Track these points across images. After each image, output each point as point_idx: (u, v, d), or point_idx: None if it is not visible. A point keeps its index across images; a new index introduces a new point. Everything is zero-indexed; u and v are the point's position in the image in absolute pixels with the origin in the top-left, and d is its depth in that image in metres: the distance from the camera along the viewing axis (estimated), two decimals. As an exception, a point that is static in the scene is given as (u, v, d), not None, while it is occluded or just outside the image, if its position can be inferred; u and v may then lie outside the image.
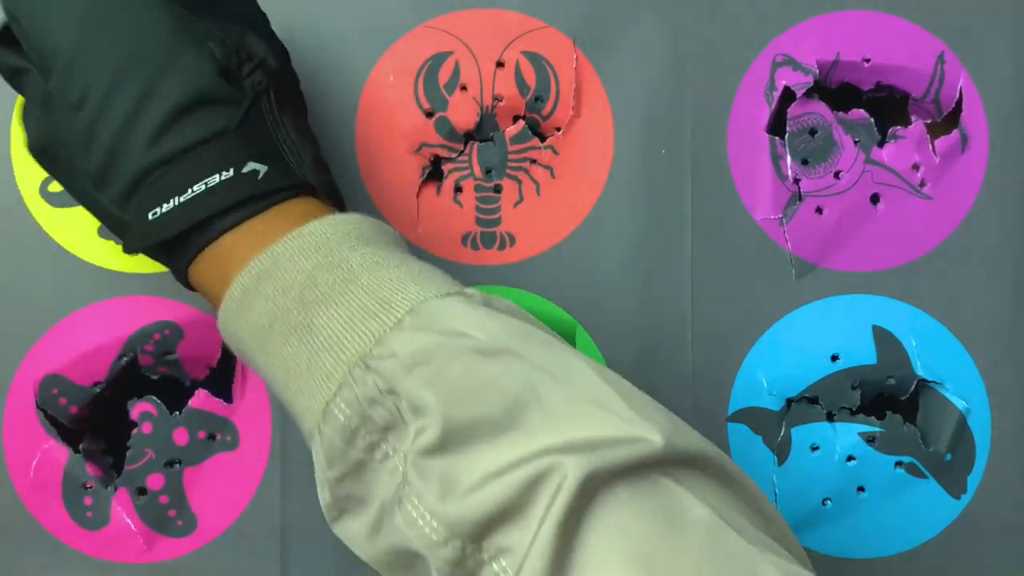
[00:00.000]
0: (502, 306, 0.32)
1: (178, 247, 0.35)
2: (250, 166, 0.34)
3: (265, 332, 0.32)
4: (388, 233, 0.36)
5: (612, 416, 0.28)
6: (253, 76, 0.36)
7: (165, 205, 0.34)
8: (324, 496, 0.32)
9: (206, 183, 0.33)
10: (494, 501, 0.27)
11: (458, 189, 0.47)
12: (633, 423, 0.28)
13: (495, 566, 0.27)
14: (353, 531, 0.32)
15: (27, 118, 0.38)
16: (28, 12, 0.35)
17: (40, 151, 0.37)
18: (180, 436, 0.46)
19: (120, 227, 0.36)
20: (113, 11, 0.35)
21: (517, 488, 0.27)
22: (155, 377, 0.47)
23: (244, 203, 0.34)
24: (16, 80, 0.38)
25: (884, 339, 0.48)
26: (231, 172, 0.34)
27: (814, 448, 0.47)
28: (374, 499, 0.31)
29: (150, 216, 0.34)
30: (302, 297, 0.32)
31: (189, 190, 0.33)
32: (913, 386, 0.48)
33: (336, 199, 0.38)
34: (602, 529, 0.27)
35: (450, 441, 0.28)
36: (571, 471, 0.26)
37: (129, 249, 0.36)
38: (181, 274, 0.36)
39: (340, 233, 0.33)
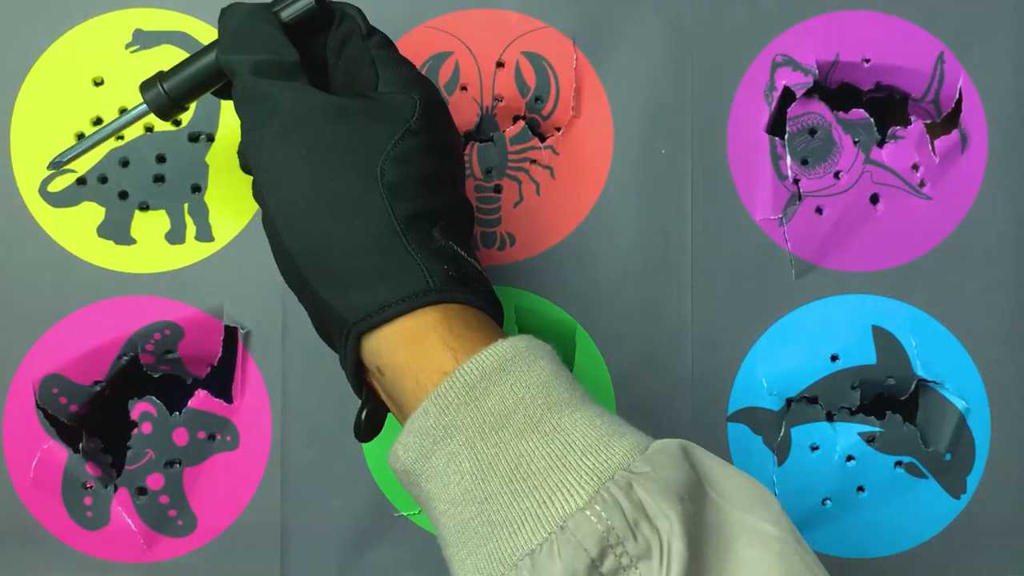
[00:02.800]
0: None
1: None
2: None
3: (499, 421, 0.30)
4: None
5: None
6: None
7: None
8: None
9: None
10: None
11: (458, 189, 0.47)
12: None
13: None
14: None
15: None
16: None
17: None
18: (180, 436, 0.46)
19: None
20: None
21: None
22: (156, 375, 0.47)
23: (443, 290, 0.33)
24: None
25: (884, 339, 0.48)
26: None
27: (814, 448, 0.47)
28: None
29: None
30: (547, 397, 0.31)
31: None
32: (913, 386, 0.48)
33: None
34: None
35: None
36: None
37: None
38: (353, 347, 0.34)
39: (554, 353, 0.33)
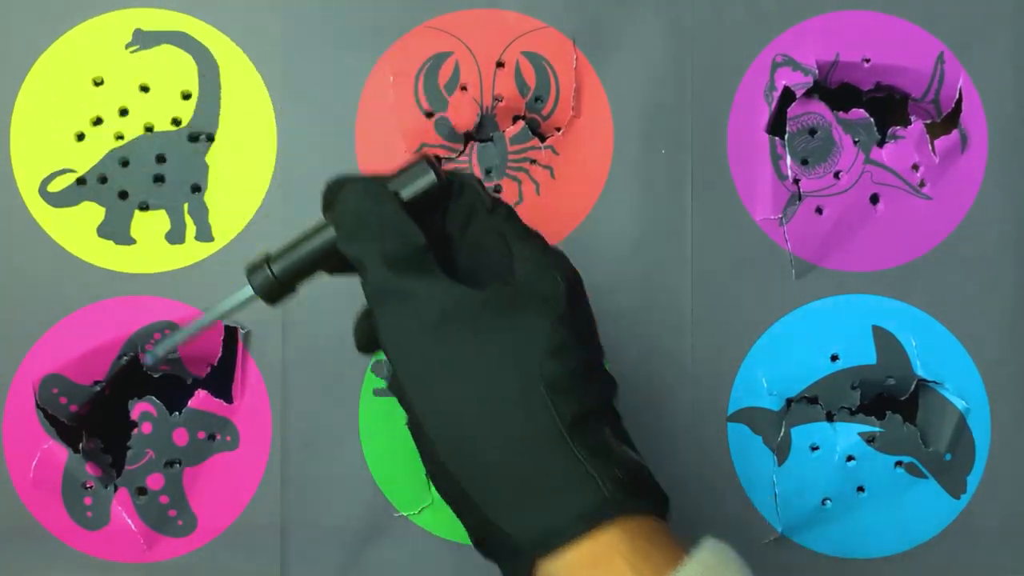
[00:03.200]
0: None
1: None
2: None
3: None
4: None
5: None
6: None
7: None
8: None
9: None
10: None
11: (458, 189, 0.47)
12: None
13: None
14: None
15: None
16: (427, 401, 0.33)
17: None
18: (180, 436, 0.46)
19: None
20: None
21: None
22: (156, 375, 0.47)
23: (620, 502, 0.31)
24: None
25: (884, 339, 0.48)
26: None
27: (814, 448, 0.47)
28: None
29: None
30: None
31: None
32: (913, 386, 0.48)
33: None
34: None
35: None
36: None
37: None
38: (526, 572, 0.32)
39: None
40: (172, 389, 0.48)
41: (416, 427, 0.33)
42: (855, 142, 0.47)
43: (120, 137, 0.47)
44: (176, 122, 0.47)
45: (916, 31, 0.48)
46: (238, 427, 0.47)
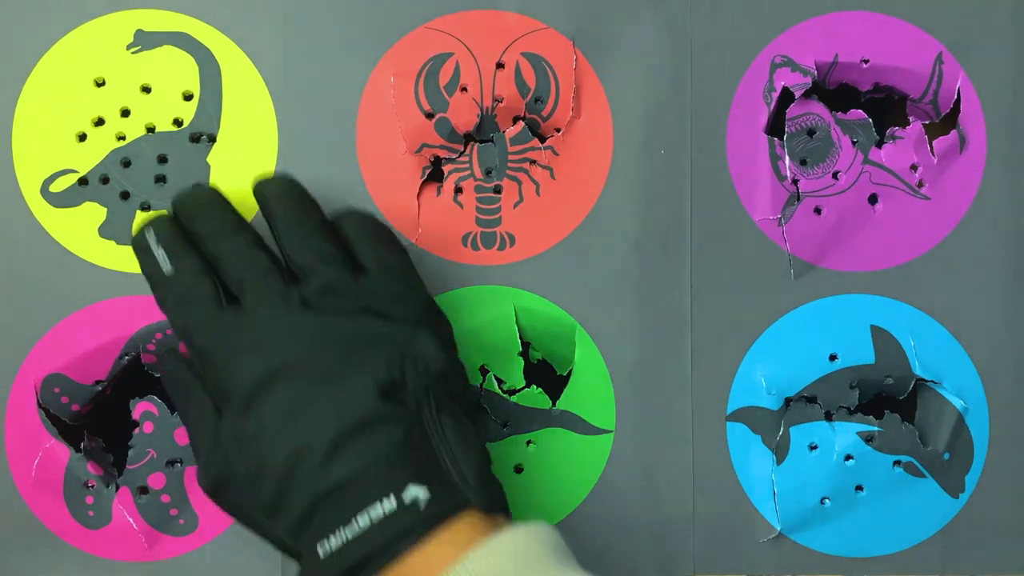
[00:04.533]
0: None
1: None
2: (411, 492, 0.35)
3: None
4: (560, 548, 0.36)
5: None
6: (416, 387, 0.38)
7: (333, 538, 0.35)
8: None
9: (369, 516, 0.35)
10: None
11: (458, 190, 0.47)
12: None
13: None
14: None
15: (198, 453, 0.39)
16: (220, 345, 0.38)
17: (214, 492, 0.39)
18: (181, 436, 0.46)
19: (295, 555, 0.37)
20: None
21: None
22: (158, 375, 0.47)
23: (408, 532, 0.35)
24: (180, 395, 0.40)
25: (882, 339, 0.48)
26: (392, 501, 0.35)
27: (813, 447, 0.47)
28: None
29: (319, 550, 0.35)
30: None
31: (354, 521, 0.35)
32: (911, 385, 0.48)
33: (501, 508, 0.38)
34: None
35: None
36: None
37: None
38: None
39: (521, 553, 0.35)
40: (173, 389, 0.48)
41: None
42: (854, 143, 0.48)
43: (122, 138, 0.47)
44: (178, 123, 0.47)
45: (915, 32, 0.48)
46: (239, 426, 0.47)
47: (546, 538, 0.36)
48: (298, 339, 0.37)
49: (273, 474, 0.36)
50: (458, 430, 0.38)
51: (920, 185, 0.48)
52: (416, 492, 0.35)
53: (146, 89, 0.47)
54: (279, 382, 0.37)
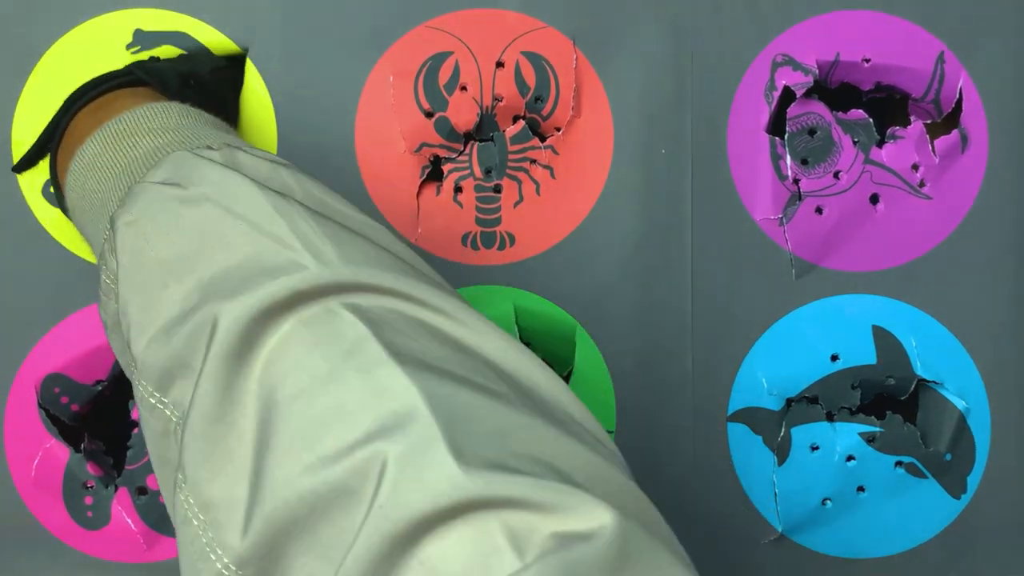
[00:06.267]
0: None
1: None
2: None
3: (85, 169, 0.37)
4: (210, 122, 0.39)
5: (275, 245, 0.29)
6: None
7: None
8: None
9: None
10: (166, 356, 0.29)
11: (458, 189, 0.47)
12: (293, 251, 0.28)
13: (169, 413, 0.29)
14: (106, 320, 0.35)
15: None
16: None
17: None
18: (181, 435, 0.46)
19: None
20: None
21: (185, 342, 0.28)
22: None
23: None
24: None
25: (884, 339, 0.48)
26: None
27: (814, 448, 0.47)
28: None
29: None
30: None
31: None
32: (913, 386, 0.48)
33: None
34: (262, 364, 0.27)
35: (125, 288, 0.31)
36: (222, 318, 0.27)
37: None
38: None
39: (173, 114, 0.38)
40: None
41: None
42: (855, 142, 0.47)
43: (121, 137, 0.47)
44: (177, 122, 0.47)
45: (916, 31, 0.48)
46: (238, 427, 0.47)
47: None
48: None
49: None
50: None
51: (922, 185, 0.48)
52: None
53: (146, 89, 0.47)
54: None
